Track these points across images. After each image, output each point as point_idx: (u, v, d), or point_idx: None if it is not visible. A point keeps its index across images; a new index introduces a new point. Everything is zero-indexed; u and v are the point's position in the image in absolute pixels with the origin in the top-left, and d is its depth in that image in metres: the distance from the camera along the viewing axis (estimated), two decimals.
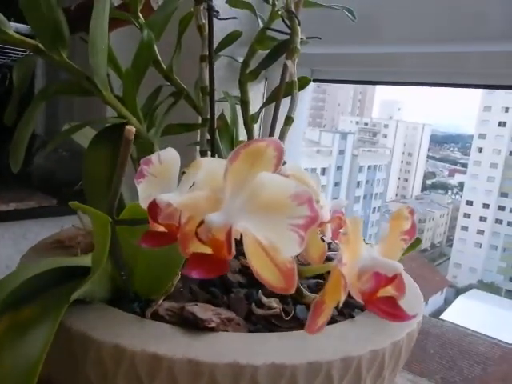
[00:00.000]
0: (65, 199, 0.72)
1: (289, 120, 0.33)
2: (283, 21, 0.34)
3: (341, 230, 0.21)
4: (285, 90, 0.35)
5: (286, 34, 0.35)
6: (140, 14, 0.38)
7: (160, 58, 0.39)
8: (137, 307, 0.27)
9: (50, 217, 0.65)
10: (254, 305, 0.28)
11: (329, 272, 0.16)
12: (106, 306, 0.26)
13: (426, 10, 0.56)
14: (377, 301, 0.15)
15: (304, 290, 0.24)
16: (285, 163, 0.39)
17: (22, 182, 0.69)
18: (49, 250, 0.35)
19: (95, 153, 0.32)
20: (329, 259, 0.23)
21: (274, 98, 0.35)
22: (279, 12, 0.36)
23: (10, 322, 0.23)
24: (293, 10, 0.33)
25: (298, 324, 0.27)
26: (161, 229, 0.18)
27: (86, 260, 0.27)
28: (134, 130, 0.19)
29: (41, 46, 0.31)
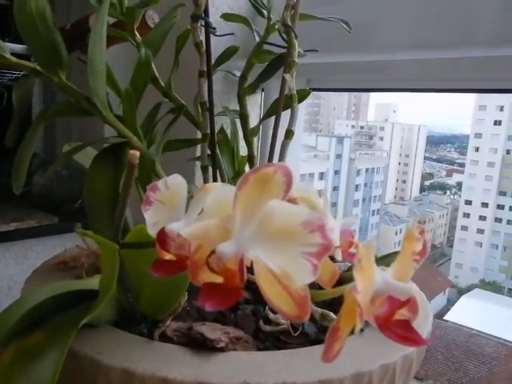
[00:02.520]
0: (66, 217, 0.72)
1: (289, 133, 0.33)
2: (280, 35, 0.34)
3: (352, 251, 0.21)
4: (284, 102, 0.35)
5: (283, 47, 0.35)
6: (136, 32, 0.38)
7: (158, 76, 0.39)
8: (144, 328, 0.27)
9: (50, 235, 0.64)
10: (261, 321, 0.28)
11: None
12: (113, 329, 0.26)
13: (418, 18, 0.57)
14: (391, 325, 0.15)
15: (315, 321, 0.24)
16: None
17: (21, 200, 0.69)
18: (53, 271, 0.35)
19: (97, 173, 0.32)
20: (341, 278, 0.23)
21: (273, 111, 0.35)
22: (276, 26, 0.36)
23: (17, 350, 0.23)
24: (289, 23, 0.33)
25: (306, 339, 0.27)
26: (169, 256, 0.18)
27: (91, 283, 0.26)
28: (138, 154, 0.19)
29: (38, 68, 0.31)
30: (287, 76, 0.32)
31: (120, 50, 0.44)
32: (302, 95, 0.35)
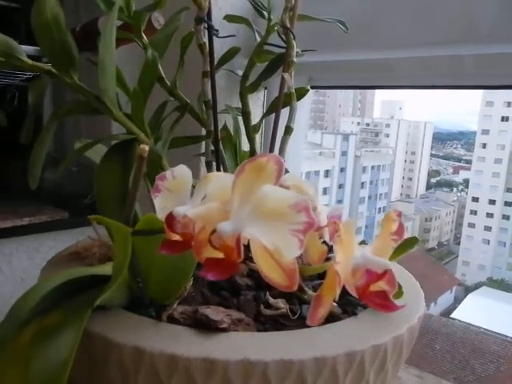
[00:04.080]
0: (75, 212, 0.74)
1: (288, 129, 0.35)
2: (279, 36, 0.36)
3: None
4: (284, 100, 0.36)
5: (282, 47, 0.37)
6: (143, 35, 0.40)
7: (164, 75, 0.41)
8: (152, 312, 0.29)
9: (61, 230, 0.67)
10: (262, 306, 0.30)
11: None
12: (123, 311, 0.28)
13: (420, 15, 0.58)
14: (369, 294, 0.17)
15: (307, 288, 0.26)
16: (287, 171, 0.41)
17: (32, 196, 0.71)
18: (66, 261, 0.37)
19: (107, 168, 0.34)
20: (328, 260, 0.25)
21: (273, 109, 0.37)
22: (275, 28, 0.38)
23: (37, 329, 0.24)
24: (288, 25, 0.35)
25: (303, 323, 0.29)
26: (176, 237, 0.20)
27: (103, 269, 0.28)
28: (147, 148, 0.21)
29: (53, 70, 0.33)
30: (286, 75, 0.34)
31: (126, 51, 0.46)
32: (301, 93, 0.37)
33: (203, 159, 0.39)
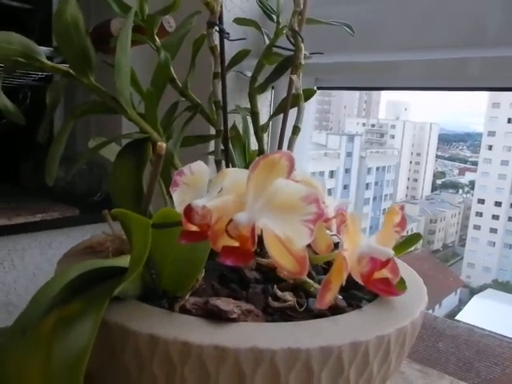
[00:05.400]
0: (86, 209, 0.76)
1: (296, 129, 0.36)
2: (288, 39, 0.37)
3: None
4: (292, 101, 0.38)
5: (291, 50, 0.38)
6: (156, 37, 0.41)
7: (176, 76, 0.42)
8: (165, 303, 0.30)
9: (72, 226, 0.69)
10: (270, 298, 0.31)
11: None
12: (138, 302, 0.29)
13: (426, 18, 0.59)
14: (374, 281, 0.18)
15: (315, 274, 0.27)
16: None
17: (43, 193, 0.73)
18: (81, 255, 0.39)
19: (121, 166, 0.35)
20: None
21: (281, 109, 0.38)
22: (284, 31, 0.39)
23: (57, 318, 0.26)
24: (296, 28, 0.36)
25: (310, 315, 0.30)
26: (194, 228, 0.21)
27: (118, 262, 0.30)
28: (164, 145, 0.22)
29: (71, 71, 0.34)
30: (294, 77, 0.35)
31: (138, 52, 0.47)
32: (308, 94, 0.38)
33: (212, 158, 0.40)
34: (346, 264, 0.18)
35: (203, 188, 0.22)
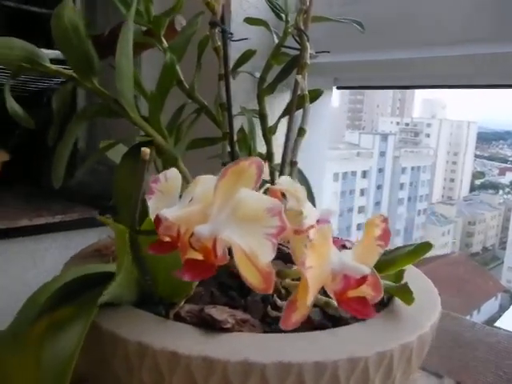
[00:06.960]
0: (105, 210, 0.77)
1: (302, 131, 0.35)
2: (294, 38, 0.36)
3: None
4: (298, 102, 0.36)
5: (298, 49, 0.37)
6: (163, 39, 0.41)
7: (183, 78, 0.41)
8: (162, 310, 0.29)
9: (91, 227, 0.70)
10: (269, 307, 0.30)
11: None
12: (132, 308, 0.29)
13: (461, 10, 0.55)
14: (348, 300, 0.17)
15: (283, 290, 0.26)
16: (301, 173, 0.41)
17: (62, 194, 0.75)
18: (88, 257, 0.39)
19: (124, 169, 0.35)
20: None
21: (286, 111, 0.37)
22: (289, 30, 0.38)
23: (48, 322, 0.26)
24: (302, 27, 0.35)
25: (311, 325, 0.29)
26: (167, 239, 0.20)
27: (113, 267, 0.29)
28: (148, 151, 0.22)
29: (74, 75, 0.35)
30: (299, 77, 0.34)
31: (146, 54, 0.47)
32: (315, 95, 0.37)
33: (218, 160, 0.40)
34: (307, 283, 0.16)
35: (175, 196, 0.21)
